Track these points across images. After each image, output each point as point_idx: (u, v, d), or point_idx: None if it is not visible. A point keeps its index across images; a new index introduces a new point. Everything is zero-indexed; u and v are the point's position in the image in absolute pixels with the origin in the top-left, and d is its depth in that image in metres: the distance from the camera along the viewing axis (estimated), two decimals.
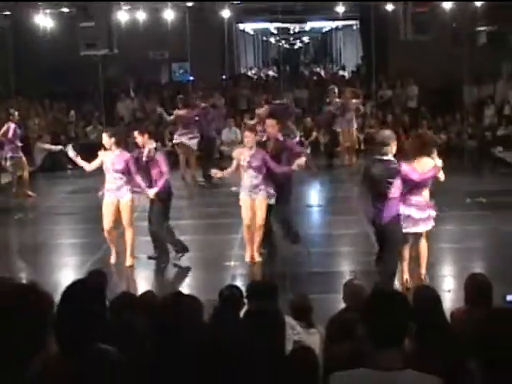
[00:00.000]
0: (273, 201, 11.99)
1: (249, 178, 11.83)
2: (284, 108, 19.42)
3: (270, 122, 12.44)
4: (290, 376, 4.43)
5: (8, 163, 17.75)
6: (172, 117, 19.08)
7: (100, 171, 12.16)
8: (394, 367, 3.86)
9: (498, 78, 24.18)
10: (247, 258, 12.02)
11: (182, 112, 18.50)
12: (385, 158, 9.79)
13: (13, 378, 3.33)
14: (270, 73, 36.50)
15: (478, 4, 19.90)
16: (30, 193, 17.78)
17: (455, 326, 5.97)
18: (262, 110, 19.19)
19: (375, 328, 3.94)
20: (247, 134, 12.07)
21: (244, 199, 11.93)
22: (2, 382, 3.32)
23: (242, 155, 11.85)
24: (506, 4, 21.68)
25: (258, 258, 12.01)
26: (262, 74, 36.27)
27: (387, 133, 10.37)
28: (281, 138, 12.33)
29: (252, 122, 18.87)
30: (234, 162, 12.08)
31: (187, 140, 18.37)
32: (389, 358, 3.88)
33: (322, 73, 36.50)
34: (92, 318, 4.00)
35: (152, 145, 11.95)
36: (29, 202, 17.29)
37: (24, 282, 8.69)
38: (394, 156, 9.89)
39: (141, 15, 18.95)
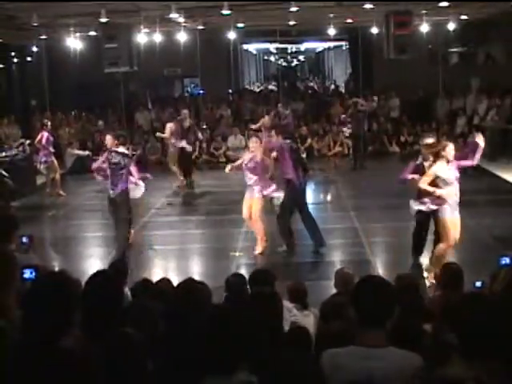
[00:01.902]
0: (277, 201, 12.01)
1: (246, 178, 11.86)
2: (284, 125, 19.26)
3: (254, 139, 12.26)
4: (287, 352, 4.42)
5: (42, 166, 17.83)
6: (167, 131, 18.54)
7: None
8: (380, 345, 3.86)
9: (468, 93, 24.17)
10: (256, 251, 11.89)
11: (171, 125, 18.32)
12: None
13: (46, 352, 3.34)
14: (270, 87, 36.43)
15: (451, 28, 19.83)
16: (61, 192, 17.81)
17: (433, 308, 5.96)
18: (266, 119, 19.23)
19: (363, 310, 3.94)
20: (253, 139, 12.08)
21: (245, 197, 11.99)
22: (37, 356, 3.33)
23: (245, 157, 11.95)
24: (475, 28, 21.72)
25: (257, 251, 11.88)
26: (263, 88, 36.22)
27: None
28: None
29: (255, 126, 18.87)
30: (239, 161, 12.24)
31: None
32: (375, 337, 3.88)
33: (316, 87, 36.45)
34: (113, 302, 4.00)
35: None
36: (60, 200, 17.30)
37: (56, 269, 8.69)
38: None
39: (157, 37, 18.94)
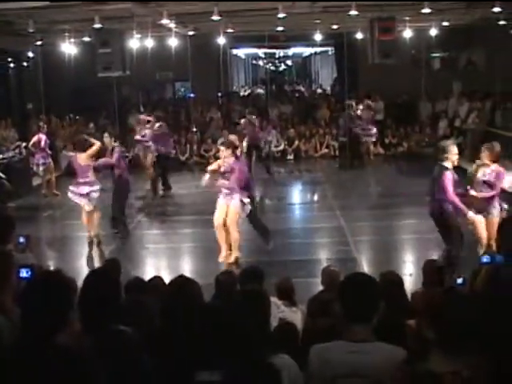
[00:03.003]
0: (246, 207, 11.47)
1: (223, 184, 11.41)
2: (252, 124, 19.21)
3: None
4: (276, 347, 4.44)
5: (41, 168, 17.84)
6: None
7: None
8: (367, 340, 3.88)
9: (450, 96, 24.26)
10: (220, 259, 11.35)
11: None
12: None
13: (43, 349, 3.34)
14: (259, 91, 36.37)
15: (433, 34, 19.89)
16: (56, 192, 17.81)
17: (415, 304, 5.99)
18: (242, 121, 19.26)
19: (349, 306, 3.96)
20: (222, 148, 11.63)
21: (219, 203, 11.47)
22: (33, 352, 3.33)
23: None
24: (457, 34, 21.80)
25: (230, 260, 11.30)
26: (249, 92, 36.18)
27: (447, 142, 10.33)
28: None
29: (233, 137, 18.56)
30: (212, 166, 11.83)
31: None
32: (361, 332, 3.90)
33: (303, 90, 36.45)
34: (111, 300, 4.01)
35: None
36: (56, 200, 17.26)
37: (52, 268, 8.68)
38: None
39: (149, 42, 18.91)
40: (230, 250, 11.38)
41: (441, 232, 10.03)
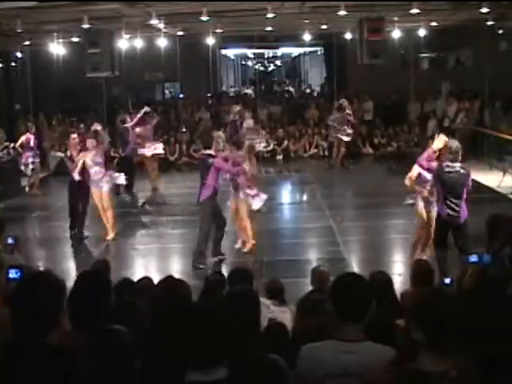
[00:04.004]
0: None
1: (229, 180, 11.91)
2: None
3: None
4: (266, 348, 4.44)
5: (30, 167, 17.88)
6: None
7: None
8: (357, 339, 3.89)
9: (438, 96, 24.34)
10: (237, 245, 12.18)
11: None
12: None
13: (33, 349, 3.34)
14: (248, 91, 36.39)
15: (422, 34, 19.96)
16: (38, 192, 18.09)
17: (404, 304, 6.00)
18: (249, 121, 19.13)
19: (340, 306, 3.97)
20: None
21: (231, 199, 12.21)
22: (24, 352, 3.33)
23: None
24: (445, 34, 21.86)
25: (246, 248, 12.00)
26: (241, 92, 36.18)
27: (457, 143, 9.54)
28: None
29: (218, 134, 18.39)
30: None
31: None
32: (351, 331, 3.91)
33: (292, 91, 36.49)
34: (100, 300, 4.01)
35: None
36: (44, 201, 17.24)
37: (41, 269, 8.66)
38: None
39: (138, 43, 18.88)
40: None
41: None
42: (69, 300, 3.81)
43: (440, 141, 9.56)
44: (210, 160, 11.28)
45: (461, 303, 4.01)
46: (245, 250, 11.96)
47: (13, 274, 4.60)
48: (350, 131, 20.41)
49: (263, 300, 5.94)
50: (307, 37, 20.72)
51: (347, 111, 20.22)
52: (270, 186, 18.40)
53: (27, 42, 19.25)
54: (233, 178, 11.72)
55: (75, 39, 18.20)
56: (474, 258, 5.73)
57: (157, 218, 15.23)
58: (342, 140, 20.56)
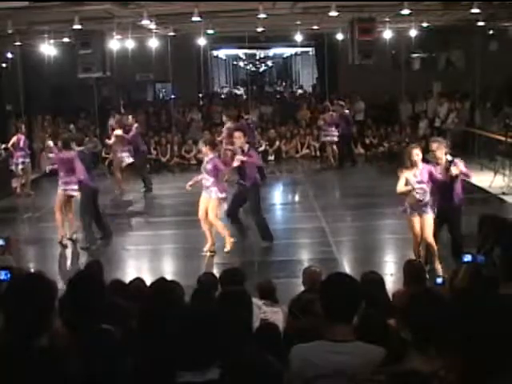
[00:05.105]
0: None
1: (204, 180, 11.83)
2: (248, 124, 19.27)
3: (237, 134, 12.39)
4: (258, 348, 4.44)
5: (20, 167, 17.84)
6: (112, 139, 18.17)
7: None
8: (347, 339, 3.89)
9: (429, 96, 24.40)
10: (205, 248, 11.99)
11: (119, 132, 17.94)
12: None
13: (25, 350, 3.33)
14: (240, 92, 36.37)
15: (413, 35, 20.00)
16: (30, 192, 18.01)
17: (396, 303, 6.01)
18: (229, 124, 18.95)
19: (330, 306, 3.97)
20: (201, 144, 12.58)
21: (201, 198, 11.97)
22: (17, 353, 3.32)
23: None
24: (436, 35, 21.91)
25: (226, 249, 11.95)
26: (232, 93, 36.17)
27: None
28: (245, 147, 12.20)
29: (219, 139, 18.39)
30: (197, 178, 12.24)
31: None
32: (342, 331, 3.91)
33: (284, 91, 36.50)
34: (94, 301, 4.01)
35: None
36: (36, 202, 17.18)
37: (32, 270, 8.63)
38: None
39: (130, 43, 18.85)
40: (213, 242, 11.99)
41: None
42: (63, 301, 3.81)
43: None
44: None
45: (452, 303, 4.01)
46: (225, 249, 11.90)
47: (2, 275, 4.58)
48: (335, 133, 20.58)
49: (255, 300, 5.94)
50: (299, 37, 20.72)
51: (330, 112, 20.51)
52: (262, 186, 18.38)
53: (18, 43, 19.19)
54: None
55: (66, 40, 18.17)
56: (467, 258, 5.74)
57: (149, 219, 15.21)
58: (331, 141, 20.81)
